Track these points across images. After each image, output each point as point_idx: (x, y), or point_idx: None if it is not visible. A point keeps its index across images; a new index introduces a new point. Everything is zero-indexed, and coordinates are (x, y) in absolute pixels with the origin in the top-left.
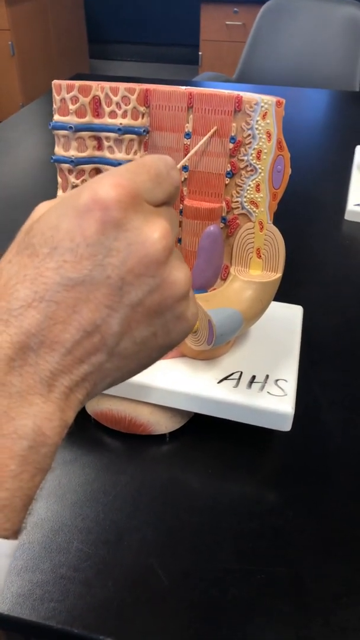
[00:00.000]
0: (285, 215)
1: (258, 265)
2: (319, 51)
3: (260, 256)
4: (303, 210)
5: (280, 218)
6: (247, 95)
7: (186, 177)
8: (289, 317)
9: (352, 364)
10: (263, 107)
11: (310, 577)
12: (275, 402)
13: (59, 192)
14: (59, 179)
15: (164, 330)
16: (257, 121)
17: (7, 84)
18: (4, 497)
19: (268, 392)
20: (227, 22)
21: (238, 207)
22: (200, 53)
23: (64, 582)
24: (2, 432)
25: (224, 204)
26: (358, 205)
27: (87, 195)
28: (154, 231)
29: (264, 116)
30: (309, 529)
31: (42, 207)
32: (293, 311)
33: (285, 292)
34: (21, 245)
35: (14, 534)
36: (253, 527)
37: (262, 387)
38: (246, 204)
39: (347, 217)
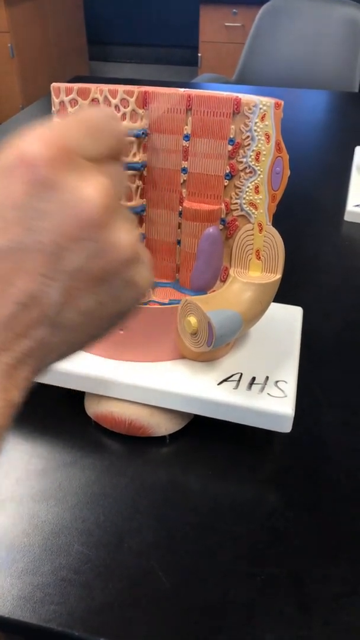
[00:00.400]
0: (285, 216)
1: (257, 266)
2: (318, 52)
3: (259, 258)
4: (302, 211)
5: (280, 219)
6: (246, 98)
7: (185, 179)
8: (288, 318)
9: (352, 364)
10: (261, 109)
11: (311, 578)
12: (275, 403)
13: None
14: None
15: (111, 297)
16: (256, 123)
17: (7, 86)
18: None
19: (268, 394)
20: (226, 24)
21: (237, 209)
22: (199, 54)
23: (64, 585)
24: None
25: (223, 206)
26: (358, 206)
27: (13, 154)
28: (91, 189)
29: (262, 118)
30: (309, 530)
31: None
32: (293, 312)
33: (284, 293)
34: None
35: None
36: (253, 528)
37: (262, 389)
38: (245, 205)
39: (346, 217)
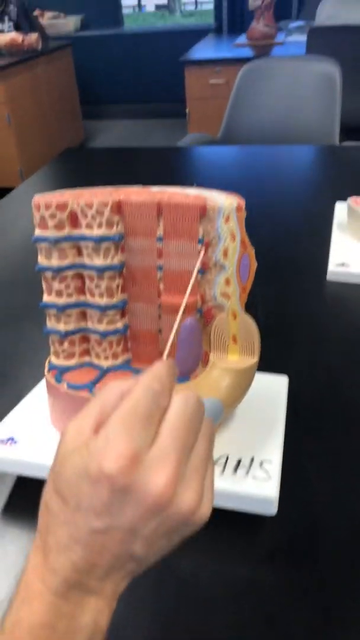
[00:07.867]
0: (269, 279)
1: (235, 350)
2: (298, 107)
3: (236, 342)
4: (286, 272)
5: (264, 281)
6: (211, 202)
7: (161, 275)
8: (274, 388)
9: (338, 429)
10: (224, 212)
11: None
12: (259, 486)
13: (45, 297)
14: (44, 285)
15: (178, 536)
16: (221, 225)
17: (5, 151)
18: None
19: (253, 477)
20: (211, 81)
21: (211, 300)
22: (187, 110)
23: None
24: None
25: (198, 298)
26: (339, 265)
27: (95, 468)
28: (157, 482)
29: (226, 220)
30: (301, 611)
31: (68, 439)
32: (278, 382)
33: (270, 357)
34: (55, 487)
35: None
36: (247, 613)
37: (247, 472)
38: (218, 296)
39: (329, 277)
